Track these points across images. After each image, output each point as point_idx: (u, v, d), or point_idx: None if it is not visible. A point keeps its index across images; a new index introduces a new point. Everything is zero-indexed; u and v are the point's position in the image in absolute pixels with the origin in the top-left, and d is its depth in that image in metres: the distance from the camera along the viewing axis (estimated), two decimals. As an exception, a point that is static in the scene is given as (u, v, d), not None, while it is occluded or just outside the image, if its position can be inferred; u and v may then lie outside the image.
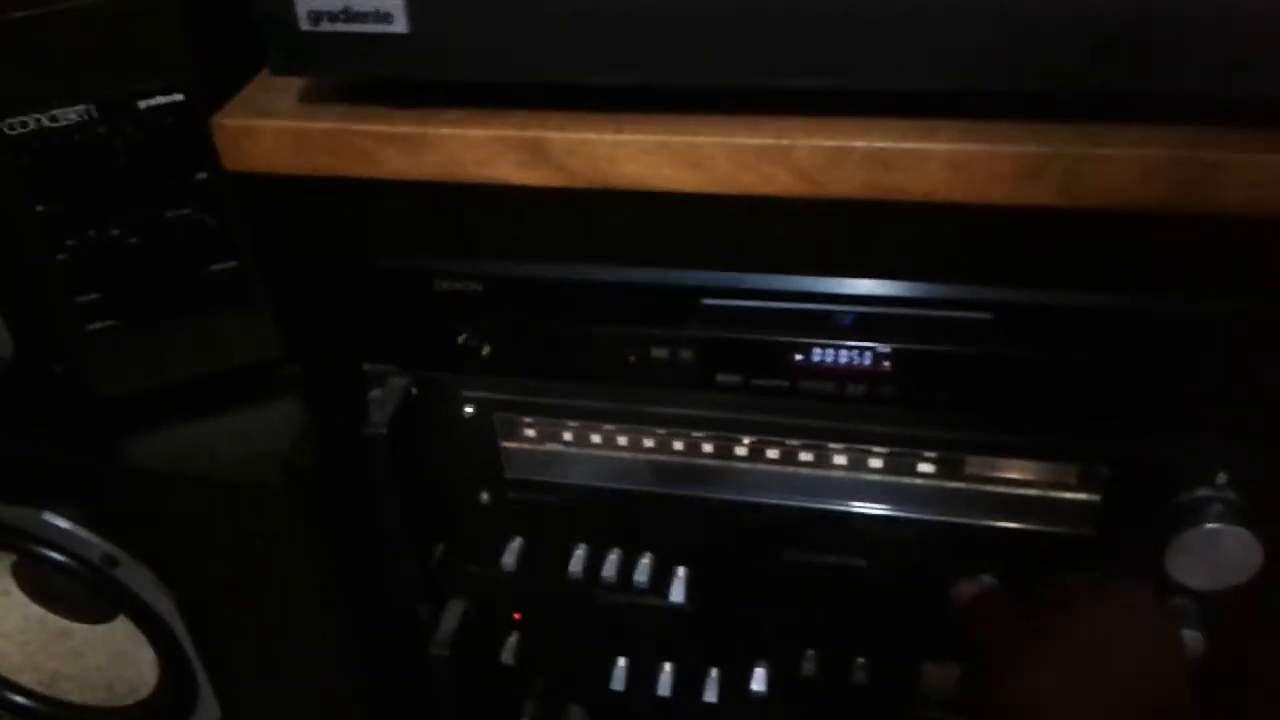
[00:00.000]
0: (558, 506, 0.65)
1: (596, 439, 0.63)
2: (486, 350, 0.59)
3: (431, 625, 0.70)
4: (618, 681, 0.70)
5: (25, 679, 0.89)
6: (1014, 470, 0.59)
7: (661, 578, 0.65)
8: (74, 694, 0.89)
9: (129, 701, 0.89)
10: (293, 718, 0.86)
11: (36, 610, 0.89)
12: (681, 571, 0.65)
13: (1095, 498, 0.58)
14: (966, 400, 0.56)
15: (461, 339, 0.58)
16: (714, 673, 0.70)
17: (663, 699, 0.70)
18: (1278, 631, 0.60)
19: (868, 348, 0.55)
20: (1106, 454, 0.56)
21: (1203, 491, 0.56)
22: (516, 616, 0.71)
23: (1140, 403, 0.55)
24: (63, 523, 0.75)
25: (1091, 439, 0.56)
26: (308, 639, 0.79)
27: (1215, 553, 0.55)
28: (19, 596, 0.88)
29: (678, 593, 0.65)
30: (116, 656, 0.89)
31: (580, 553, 0.65)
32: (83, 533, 0.76)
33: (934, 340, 0.55)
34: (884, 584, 0.64)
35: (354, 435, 0.62)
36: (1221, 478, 0.55)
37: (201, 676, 0.84)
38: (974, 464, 0.60)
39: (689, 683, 0.70)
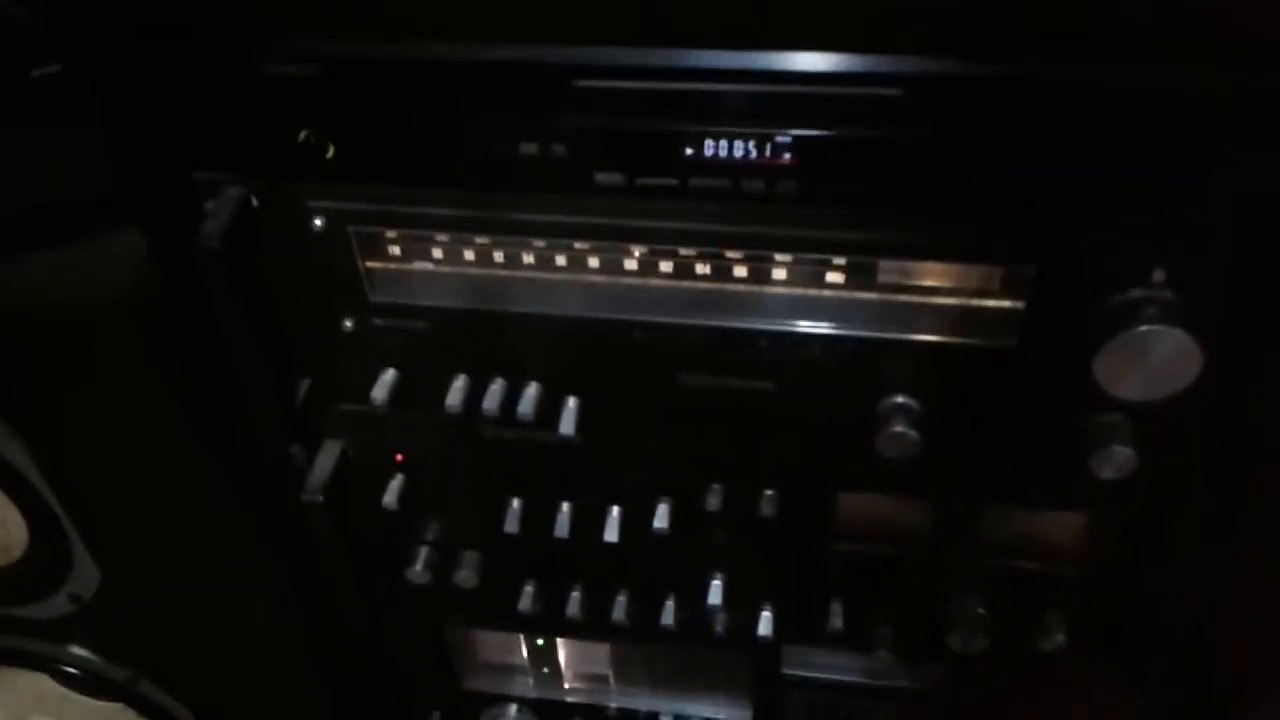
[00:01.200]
0: (431, 333, 0.58)
1: (469, 255, 0.56)
2: (331, 151, 0.51)
3: (306, 468, 0.64)
4: (511, 523, 0.65)
5: (-112, 544, 0.82)
6: (931, 276, 0.53)
7: (549, 409, 0.59)
8: (-57, 558, 0.83)
9: (3, 563, 0.83)
10: (178, 575, 0.80)
11: (-107, 471, 0.81)
12: (571, 402, 0.59)
13: (1019, 305, 0.52)
14: (877, 194, 0.50)
15: (301, 136, 0.50)
16: (614, 511, 0.64)
17: (561, 541, 0.65)
18: (1216, 447, 0.55)
19: (766, 134, 0.48)
20: (1031, 253, 0.50)
21: (1136, 292, 0.50)
22: (398, 457, 0.65)
23: (1068, 193, 0.48)
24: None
25: (1015, 236, 0.50)
26: (181, 490, 0.73)
27: (1149, 358, 0.49)
28: (-128, 456, 0.81)
29: (568, 424, 0.58)
30: (-16, 515, 0.82)
31: (459, 384, 0.59)
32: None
33: (840, 123, 0.48)
34: (793, 409, 0.58)
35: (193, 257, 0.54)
36: (1158, 276, 0.49)
37: (73, 534, 0.77)
38: (888, 270, 0.53)
39: (588, 523, 0.65)
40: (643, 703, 0.80)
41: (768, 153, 0.49)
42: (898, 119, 0.47)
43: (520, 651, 0.80)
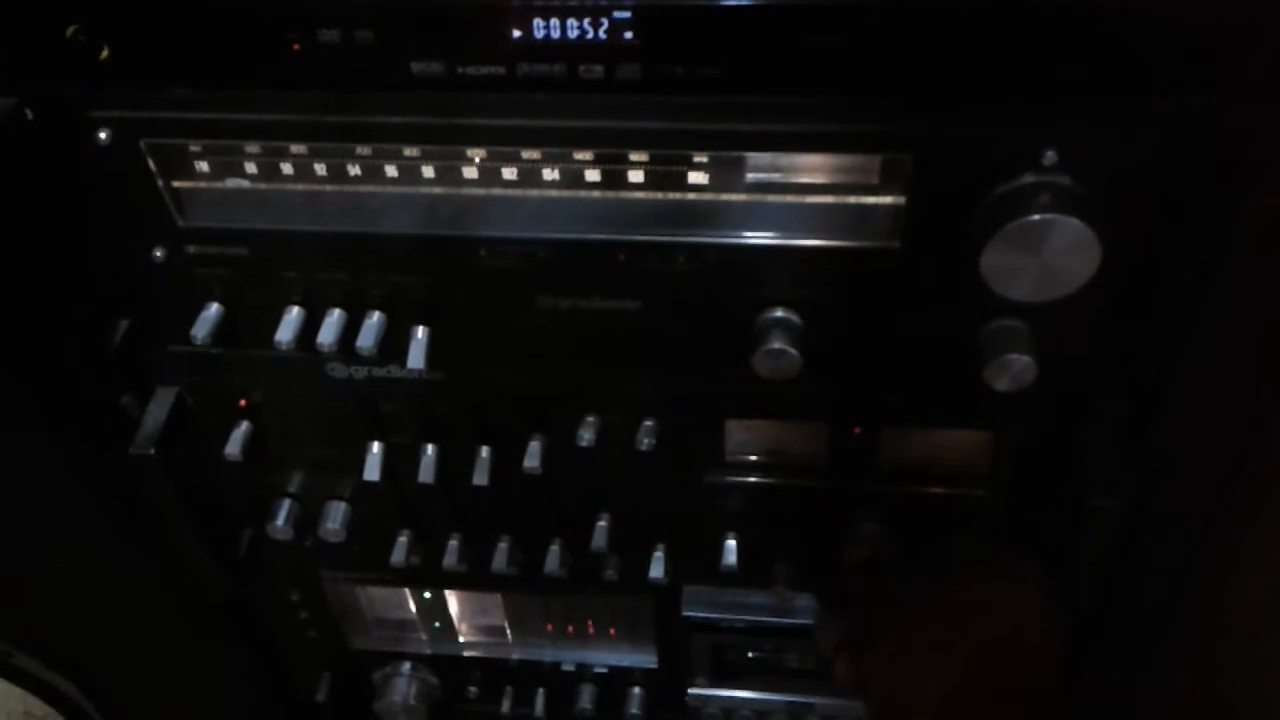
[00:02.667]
0: (254, 260, 0.51)
1: (287, 168, 0.49)
2: (105, 51, 0.44)
3: (138, 414, 0.58)
4: (372, 471, 0.59)
5: None
6: (804, 171, 0.47)
7: (395, 341, 0.52)
8: None
9: None
10: (34, 539, 0.74)
11: None
12: (420, 332, 0.53)
13: (900, 200, 0.47)
14: (736, 78, 0.43)
15: (69, 34, 0.43)
16: (483, 451, 0.58)
17: (426, 486, 0.59)
18: (1117, 351, 0.50)
19: (601, 8, 0.42)
20: (908, 138, 0.44)
21: (1027, 178, 0.44)
22: (242, 403, 0.58)
23: (946, 68, 0.42)
24: None
25: (890, 119, 0.44)
26: (17, 452, 0.66)
27: (1042, 252, 0.44)
28: None
29: (416, 358, 0.52)
30: None
31: (292, 316, 0.53)
32: None
33: (681, -7, 0.41)
34: (664, 329, 0.52)
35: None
36: (1049, 158, 0.44)
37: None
38: (756, 167, 0.47)
39: (454, 466, 0.59)
40: (544, 654, 0.75)
41: (604, 31, 0.42)
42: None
43: (408, 606, 0.74)
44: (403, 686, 0.76)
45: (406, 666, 0.77)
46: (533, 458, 0.57)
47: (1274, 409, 0.49)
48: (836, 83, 0.44)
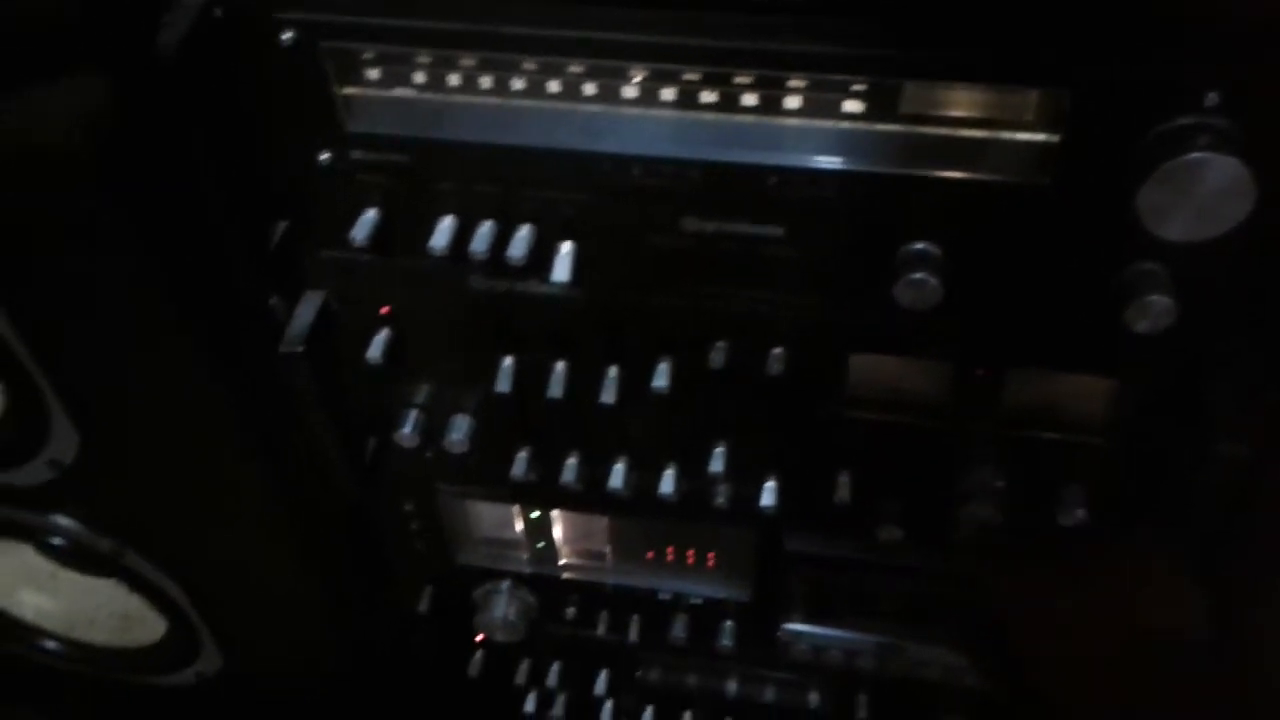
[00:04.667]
0: (414, 168, 0.54)
1: (454, 80, 0.51)
2: (298, -48, 0.46)
3: (287, 316, 0.60)
4: (503, 383, 0.61)
5: None
6: (960, 105, 0.48)
7: (542, 253, 0.54)
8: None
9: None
10: (160, 440, 0.77)
11: None
12: (566, 247, 0.55)
13: (1054, 137, 0.48)
14: (902, 4, 0.45)
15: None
16: (611, 371, 0.60)
17: (555, 402, 0.61)
18: (1262, 299, 0.51)
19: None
20: (1070, 75, 0.45)
21: (1186, 119, 0.45)
22: (384, 310, 0.61)
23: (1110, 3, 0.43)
24: None
25: (1053, 55, 0.45)
26: (158, 348, 0.69)
27: (1198, 191, 0.44)
28: None
29: (562, 271, 0.54)
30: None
31: (445, 224, 0.55)
32: None
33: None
34: (805, 256, 0.53)
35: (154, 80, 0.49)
36: (1212, 99, 0.44)
37: (49, 396, 0.74)
38: (911, 98, 0.48)
39: (584, 382, 0.61)
40: (641, 581, 0.77)
41: (779, -47, 0.44)
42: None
43: (515, 525, 0.77)
44: (503, 603, 0.79)
45: (507, 584, 0.79)
46: (661, 378, 0.59)
47: None
48: (1002, 17, 0.45)
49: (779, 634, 0.76)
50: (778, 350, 0.58)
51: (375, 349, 0.61)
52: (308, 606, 0.90)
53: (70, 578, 1.00)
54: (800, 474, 0.64)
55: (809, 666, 0.79)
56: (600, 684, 0.85)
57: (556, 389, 0.61)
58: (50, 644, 1.02)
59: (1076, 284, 0.51)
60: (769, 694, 0.85)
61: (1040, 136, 0.48)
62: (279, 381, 0.65)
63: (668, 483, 0.65)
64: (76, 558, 0.92)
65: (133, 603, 1.01)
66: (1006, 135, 0.49)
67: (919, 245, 0.51)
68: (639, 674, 0.86)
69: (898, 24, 0.45)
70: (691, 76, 0.49)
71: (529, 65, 0.50)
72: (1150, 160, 0.45)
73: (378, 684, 1.00)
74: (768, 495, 0.65)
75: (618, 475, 0.66)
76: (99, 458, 0.79)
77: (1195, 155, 0.44)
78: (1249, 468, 0.54)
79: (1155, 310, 0.49)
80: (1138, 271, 0.49)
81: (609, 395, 0.61)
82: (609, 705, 0.88)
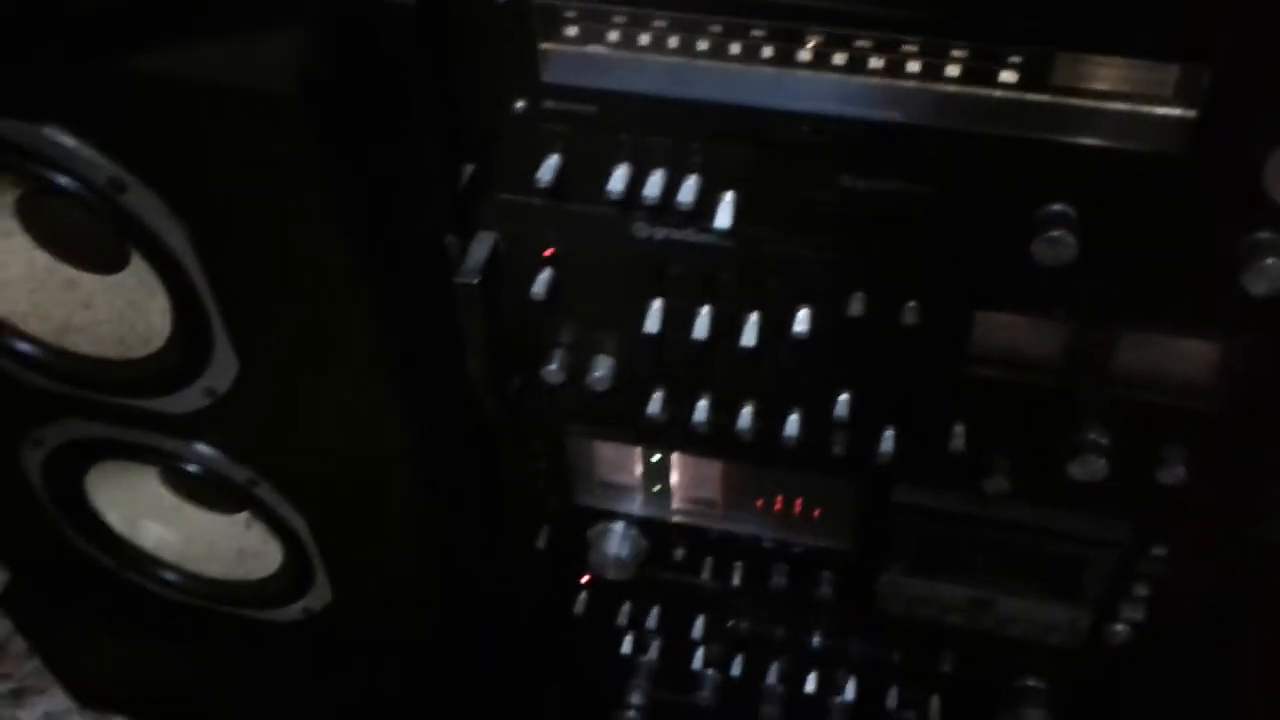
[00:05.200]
0: (599, 117, 0.60)
1: (644, 39, 0.57)
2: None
3: (460, 257, 0.66)
4: (651, 323, 0.67)
5: (33, 327, 0.86)
6: (1105, 78, 0.54)
7: (705, 202, 0.60)
8: (84, 345, 0.87)
9: (141, 354, 0.87)
10: (311, 374, 0.83)
11: (43, 258, 0.85)
12: (729, 195, 0.60)
13: (1191, 113, 0.53)
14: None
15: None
16: (753, 316, 0.66)
17: (697, 342, 0.67)
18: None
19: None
20: (1212, 53, 0.51)
21: (1318, 96, 0.50)
22: (548, 252, 0.67)
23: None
24: (69, 140, 0.70)
25: (1197, 34, 0.50)
26: (327, 281, 0.76)
27: (1326, 162, 0.50)
28: (23, 240, 0.84)
29: (724, 217, 0.60)
30: (127, 308, 0.85)
31: (621, 172, 0.61)
32: (89, 152, 0.71)
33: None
34: (948, 214, 0.59)
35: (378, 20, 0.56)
36: (1340, 78, 0.49)
37: (217, 323, 0.80)
38: (1062, 70, 0.54)
39: (726, 325, 0.66)
40: (747, 528, 0.83)
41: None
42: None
43: (635, 470, 0.82)
44: (616, 543, 0.85)
45: (621, 525, 0.85)
46: (801, 324, 0.64)
47: None
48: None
49: (877, 586, 0.82)
50: (912, 304, 0.63)
51: (539, 286, 0.67)
52: (423, 544, 0.96)
53: (191, 512, 1.07)
54: (917, 425, 0.70)
55: (898, 620, 0.84)
56: (696, 629, 0.90)
57: (701, 331, 0.67)
58: (169, 575, 1.08)
59: (1200, 246, 0.56)
60: (854, 649, 0.90)
61: (1177, 111, 0.54)
62: (437, 319, 0.72)
63: (792, 426, 0.71)
64: (211, 487, 0.98)
65: (249, 538, 1.08)
66: (1146, 109, 0.54)
67: (1057, 206, 0.56)
68: (732, 623, 0.91)
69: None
70: (862, 43, 0.55)
71: (714, 27, 0.56)
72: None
73: (473, 632, 1.05)
74: (886, 443, 0.70)
75: (745, 418, 0.72)
76: (251, 387, 0.85)
77: (1326, 128, 0.49)
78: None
79: (1272, 273, 0.54)
80: (1258, 239, 0.54)
81: (749, 339, 0.66)
82: (701, 652, 0.94)
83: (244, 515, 1.06)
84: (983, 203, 0.58)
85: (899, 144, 0.57)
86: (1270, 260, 0.54)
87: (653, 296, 0.67)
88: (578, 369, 0.72)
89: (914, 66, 0.55)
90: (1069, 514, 0.73)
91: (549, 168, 0.61)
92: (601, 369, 0.71)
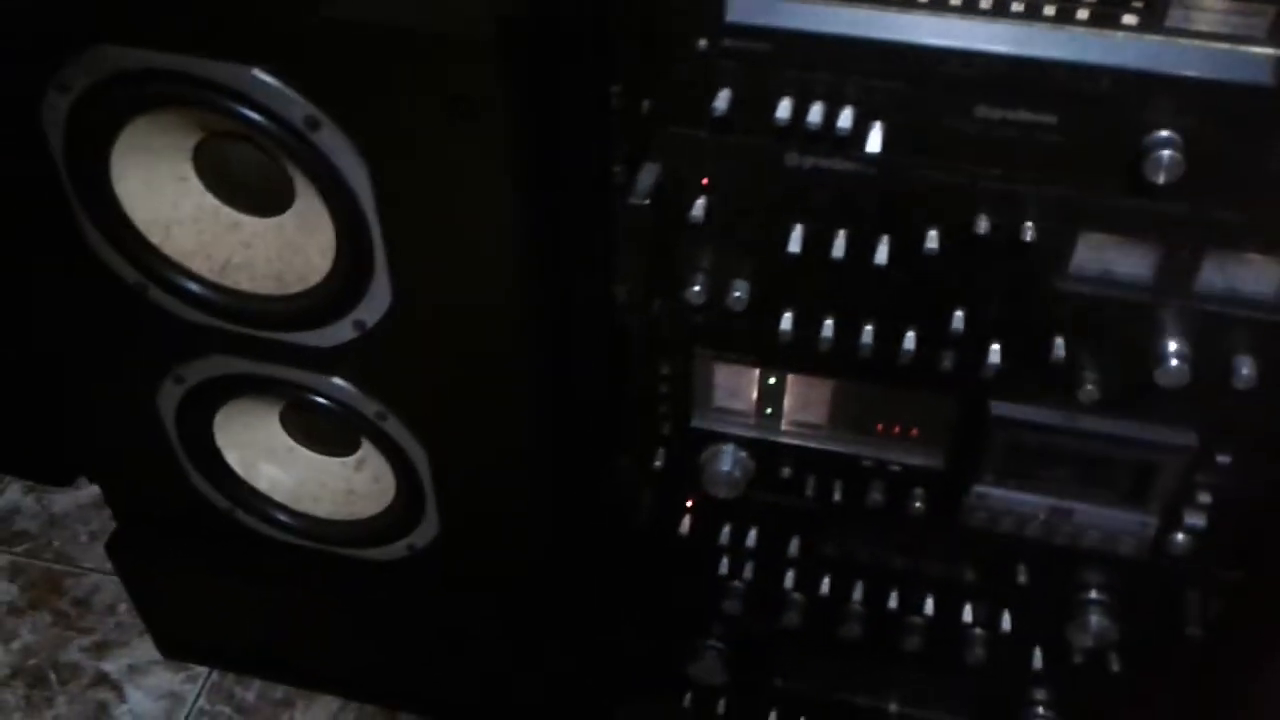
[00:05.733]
0: (771, 55, 0.69)
1: (815, -19, 0.67)
2: None
3: (627, 185, 0.76)
4: (794, 244, 0.77)
5: (198, 265, 0.95)
6: (1210, 21, 0.64)
7: (860, 130, 0.70)
8: (244, 282, 0.95)
9: (296, 290, 0.95)
10: (455, 307, 0.91)
11: (211, 201, 0.94)
12: (877, 126, 0.71)
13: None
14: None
15: None
16: (885, 238, 0.76)
17: (836, 261, 0.76)
18: None
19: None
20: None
21: (1392, 32, 0.61)
22: (705, 181, 0.77)
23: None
24: (273, 81, 0.79)
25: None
26: (492, 214, 0.84)
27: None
28: (196, 184, 0.93)
29: (874, 143, 0.70)
30: (286, 247, 0.94)
31: (786, 103, 0.71)
32: (290, 93, 0.80)
33: None
34: (1066, 142, 0.69)
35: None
36: None
37: (380, 259, 0.89)
38: (1175, 14, 0.64)
39: (861, 246, 0.76)
40: (849, 448, 0.92)
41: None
42: None
43: (750, 395, 0.92)
44: (728, 462, 0.94)
45: (731, 447, 0.94)
46: (931, 242, 0.74)
47: None
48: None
49: (965, 499, 0.91)
50: (1028, 224, 0.74)
51: (697, 210, 0.77)
52: (539, 471, 1.04)
53: (305, 455, 1.16)
54: (1020, 339, 0.80)
55: (979, 536, 0.94)
56: (791, 548, 1.00)
57: (838, 251, 0.77)
58: (281, 515, 1.16)
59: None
60: (934, 567, 1.00)
61: (1269, 50, 0.64)
62: (590, 247, 0.81)
63: (909, 342, 0.81)
64: (333, 425, 1.06)
65: (359, 479, 1.16)
66: (1243, 48, 0.65)
67: (1165, 133, 0.67)
68: (823, 545, 1.01)
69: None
70: (1010, -9, 0.65)
71: (874, -24, 0.66)
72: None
73: (571, 567, 1.14)
74: (992, 356, 0.80)
75: (867, 335, 0.81)
76: (398, 320, 0.94)
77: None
78: None
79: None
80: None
81: (881, 257, 0.76)
82: (791, 573, 1.03)
83: (355, 456, 1.14)
84: (1098, 130, 0.68)
85: (1031, 77, 0.67)
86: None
87: (796, 221, 0.77)
88: (718, 291, 0.82)
89: (1049, 10, 0.65)
90: (1146, 424, 0.83)
91: (722, 100, 0.71)
92: (739, 290, 0.81)
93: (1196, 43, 0.65)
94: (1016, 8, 0.66)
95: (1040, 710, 1.08)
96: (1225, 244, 0.73)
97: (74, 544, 1.53)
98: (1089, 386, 0.80)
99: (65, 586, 1.48)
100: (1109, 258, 0.76)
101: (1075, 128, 0.68)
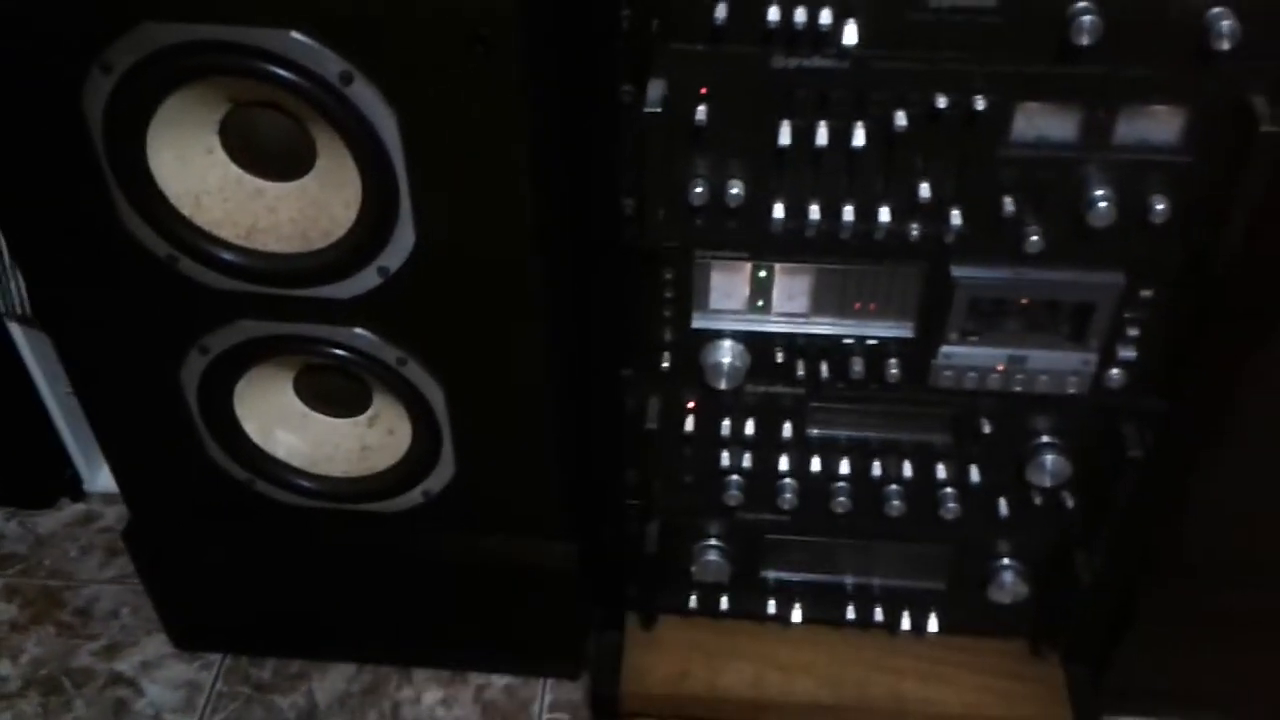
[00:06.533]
0: (759, -31, 0.83)
1: (793, -94, 0.81)
2: None
3: (636, 102, 0.89)
4: (784, 138, 0.90)
5: (225, 232, 1.03)
6: (1111, -92, 0.81)
7: (836, 26, 0.85)
8: (271, 244, 1.04)
9: (321, 245, 1.04)
10: (471, 252, 1.01)
11: (235, 171, 1.02)
12: (850, 22, 0.85)
13: (1169, -75, 0.80)
14: None
15: None
16: (860, 124, 0.90)
17: (819, 150, 0.90)
18: None
19: None
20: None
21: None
22: (704, 90, 0.90)
23: None
24: (307, 39, 0.89)
25: None
26: (510, 148, 0.95)
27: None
28: (221, 155, 1.02)
29: (850, 36, 0.84)
30: (310, 206, 1.03)
31: (773, 11, 0.84)
32: (324, 50, 0.89)
33: None
34: (1007, 23, 0.85)
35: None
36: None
37: (405, 204, 0.99)
38: (1082, -96, 0.80)
39: (840, 134, 0.91)
40: (831, 329, 1.06)
41: None
42: None
43: (742, 293, 1.05)
44: (726, 353, 1.07)
45: (729, 341, 1.07)
46: (900, 120, 0.89)
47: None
48: None
49: (934, 360, 1.06)
50: (978, 98, 0.89)
51: (700, 116, 0.90)
52: (552, 394, 1.15)
53: (318, 419, 1.24)
54: (975, 204, 0.95)
55: (948, 395, 1.09)
56: (785, 432, 1.13)
57: (821, 139, 0.91)
58: (300, 480, 1.24)
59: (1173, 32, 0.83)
60: (907, 434, 1.14)
61: (1157, -74, 0.81)
62: (603, 167, 0.93)
63: (884, 216, 0.95)
64: (352, 379, 1.15)
65: (371, 435, 1.25)
66: (1137, -72, 0.81)
67: (1084, 2, 0.83)
68: (810, 427, 1.15)
69: None
70: (947, -102, 0.80)
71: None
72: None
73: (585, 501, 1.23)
74: (954, 219, 0.95)
75: (848, 214, 0.96)
76: (420, 262, 1.03)
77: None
78: None
79: (1225, 29, 0.81)
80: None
81: (859, 140, 0.90)
82: (785, 458, 1.16)
83: (366, 415, 1.23)
84: (1030, 8, 0.84)
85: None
86: (1226, 24, 0.81)
87: (783, 118, 0.91)
88: (716, 192, 0.95)
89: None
90: (1082, 270, 0.99)
91: (720, 10, 0.84)
92: (736, 188, 0.94)
93: (1103, -72, 0.81)
94: (959, -87, 0.80)
95: (1005, 562, 1.24)
96: (1135, 98, 0.89)
97: (66, 560, 1.57)
98: (1034, 238, 0.95)
99: (64, 599, 1.52)
100: (1042, 124, 0.91)
101: (1011, 7, 0.84)
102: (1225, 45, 0.82)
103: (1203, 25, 0.83)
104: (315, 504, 1.26)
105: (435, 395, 1.14)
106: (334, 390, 1.22)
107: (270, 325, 1.10)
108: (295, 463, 1.24)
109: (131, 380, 1.14)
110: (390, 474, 1.24)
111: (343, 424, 1.25)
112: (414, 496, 1.25)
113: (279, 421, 1.24)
